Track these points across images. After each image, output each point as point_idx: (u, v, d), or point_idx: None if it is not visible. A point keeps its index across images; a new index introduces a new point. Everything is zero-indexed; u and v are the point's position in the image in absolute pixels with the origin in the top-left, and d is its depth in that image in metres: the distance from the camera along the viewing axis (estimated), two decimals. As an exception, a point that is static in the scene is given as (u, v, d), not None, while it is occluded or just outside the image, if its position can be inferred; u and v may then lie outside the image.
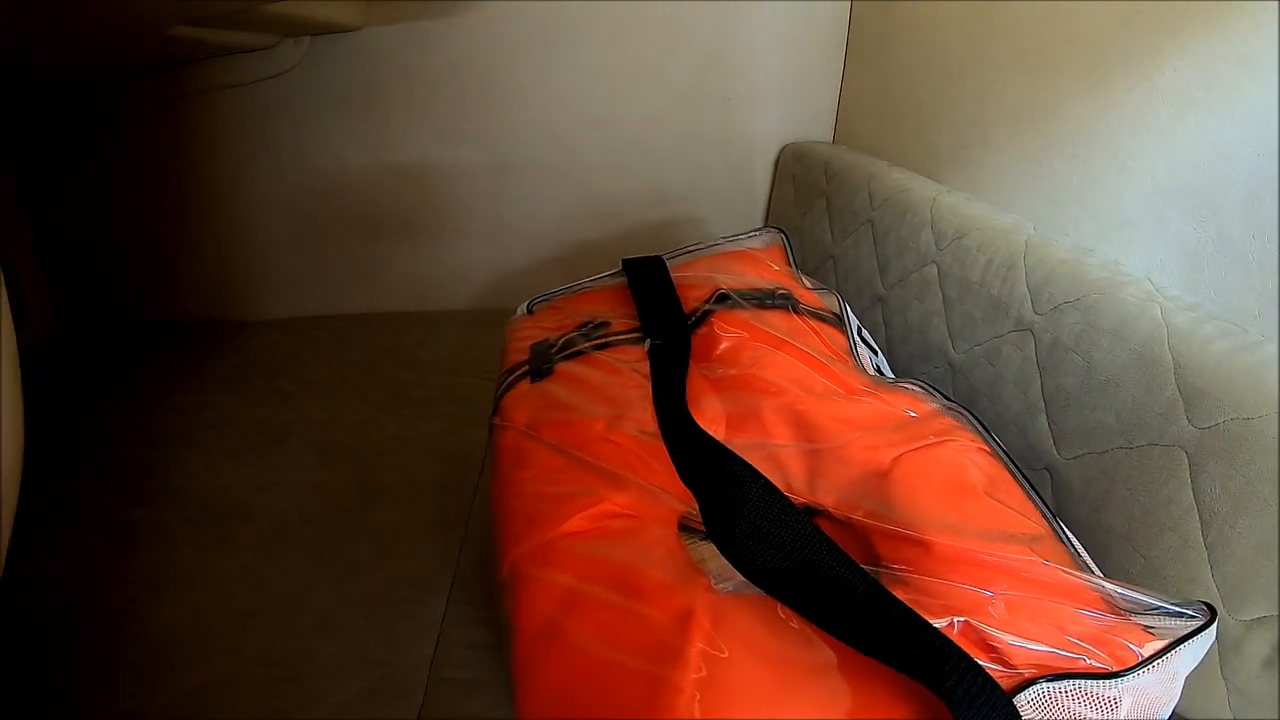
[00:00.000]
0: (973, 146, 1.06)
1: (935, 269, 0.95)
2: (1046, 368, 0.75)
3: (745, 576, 0.49)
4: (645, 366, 0.70)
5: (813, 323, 0.76)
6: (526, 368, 0.77)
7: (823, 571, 0.47)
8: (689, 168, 1.41)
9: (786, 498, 0.51)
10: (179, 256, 1.63)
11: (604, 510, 0.54)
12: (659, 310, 0.76)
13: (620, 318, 0.81)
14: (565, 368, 0.74)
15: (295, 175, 1.51)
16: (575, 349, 0.76)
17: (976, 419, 0.65)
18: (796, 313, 0.77)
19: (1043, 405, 0.75)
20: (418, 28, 1.37)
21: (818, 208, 1.24)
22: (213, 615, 0.92)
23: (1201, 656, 0.48)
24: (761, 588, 0.49)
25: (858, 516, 0.57)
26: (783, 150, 1.41)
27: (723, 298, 0.76)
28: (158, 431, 1.31)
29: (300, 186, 1.52)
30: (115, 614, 0.93)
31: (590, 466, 0.59)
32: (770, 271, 0.85)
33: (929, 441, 0.62)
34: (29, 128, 1.55)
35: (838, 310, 0.81)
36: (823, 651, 0.45)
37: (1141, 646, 0.47)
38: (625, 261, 0.90)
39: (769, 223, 1.45)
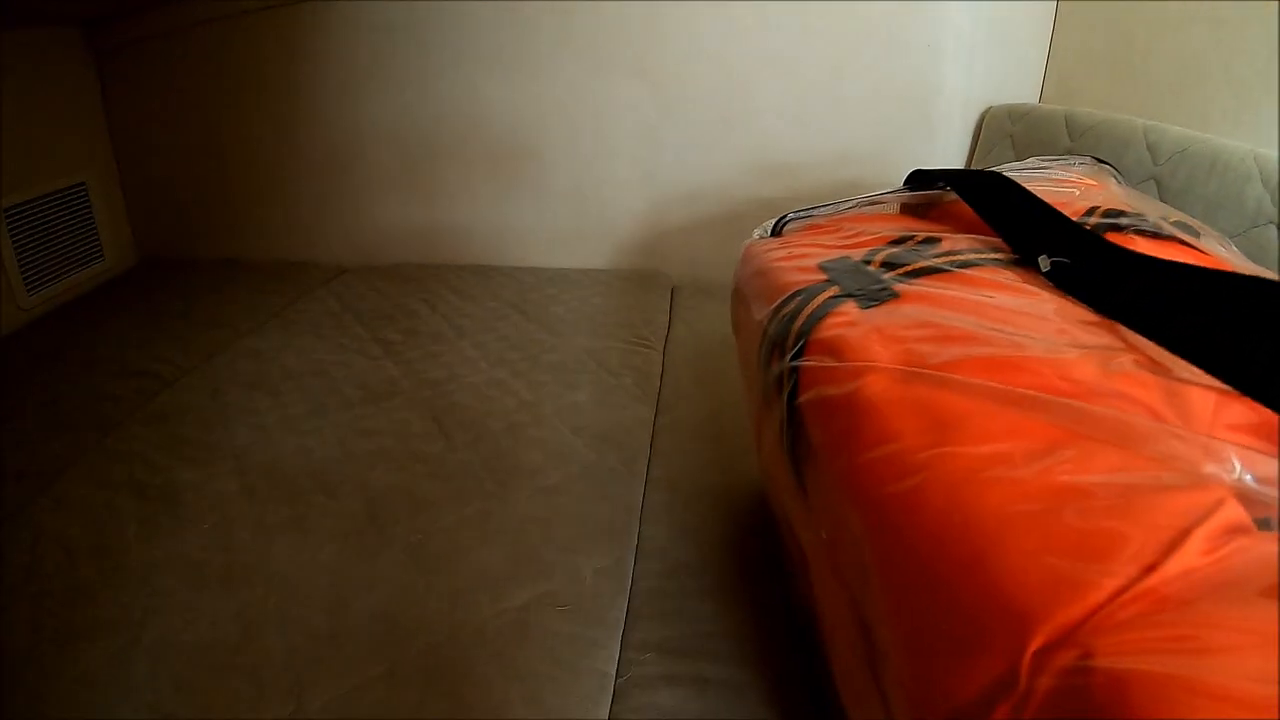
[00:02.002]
0: (1261, 102, 0.93)
1: (1277, 230, 0.77)
2: None
3: None
4: (1048, 291, 0.50)
5: (1226, 261, 0.57)
6: (834, 290, 0.56)
7: None
8: (878, 123, 1.22)
9: None
10: (273, 188, 1.43)
11: (1228, 521, 0.31)
12: (1036, 224, 0.56)
13: (945, 234, 0.61)
14: (921, 289, 0.52)
15: (415, 102, 1.31)
16: (919, 266, 0.55)
17: None
18: (1197, 249, 0.57)
19: None
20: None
21: (1058, 168, 1.06)
22: (272, 632, 0.65)
23: None
24: None
25: None
26: (987, 111, 1.23)
27: (1112, 215, 0.57)
28: (226, 376, 1.07)
29: (420, 115, 1.32)
30: (135, 611, 0.67)
31: (1138, 436, 0.35)
32: (1123, 200, 0.66)
33: None
34: (114, 40, 1.36)
35: (1230, 251, 0.61)
36: None
37: None
38: (917, 173, 0.72)
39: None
